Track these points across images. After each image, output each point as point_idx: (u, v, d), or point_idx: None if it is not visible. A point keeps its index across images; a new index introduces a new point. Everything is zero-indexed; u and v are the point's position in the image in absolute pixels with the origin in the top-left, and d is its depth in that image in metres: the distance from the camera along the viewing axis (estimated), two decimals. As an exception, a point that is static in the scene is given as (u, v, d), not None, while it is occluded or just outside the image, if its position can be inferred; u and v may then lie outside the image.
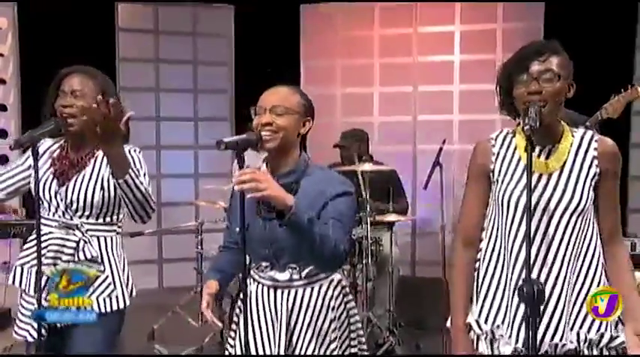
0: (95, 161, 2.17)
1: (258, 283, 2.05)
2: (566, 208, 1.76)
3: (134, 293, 2.24)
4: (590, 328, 1.78)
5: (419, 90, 5.70)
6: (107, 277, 2.15)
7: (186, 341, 4.12)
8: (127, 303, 2.19)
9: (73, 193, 2.12)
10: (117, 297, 2.16)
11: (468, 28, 5.59)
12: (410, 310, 4.48)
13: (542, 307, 1.69)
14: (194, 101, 6.09)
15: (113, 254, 2.18)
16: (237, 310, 2.13)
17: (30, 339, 2.12)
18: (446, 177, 4.34)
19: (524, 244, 1.73)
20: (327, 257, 1.84)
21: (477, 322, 1.86)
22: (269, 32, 5.87)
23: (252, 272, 2.08)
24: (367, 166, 3.85)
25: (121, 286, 2.18)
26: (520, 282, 1.67)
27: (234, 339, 2.12)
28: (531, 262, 1.72)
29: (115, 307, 2.15)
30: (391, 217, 3.97)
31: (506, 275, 1.82)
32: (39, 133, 1.97)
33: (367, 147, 4.45)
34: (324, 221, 1.87)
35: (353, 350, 2.09)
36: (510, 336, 1.79)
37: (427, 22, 5.68)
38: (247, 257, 1.97)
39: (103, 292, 2.13)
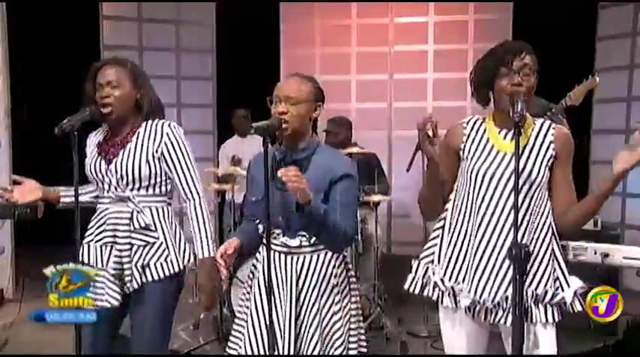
0: (137, 137, 2.31)
1: (272, 249, 2.25)
2: (525, 181, 2.04)
3: (190, 260, 2.36)
4: (537, 285, 2.05)
5: (394, 78, 5.96)
6: (161, 243, 2.30)
7: (183, 317, 4.27)
8: (181, 267, 2.33)
9: (122, 168, 2.27)
10: (171, 261, 2.30)
11: (441, 19, 5.86)
12: (392, 285, 4.75)
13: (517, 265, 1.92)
14: (177, 88, 6.22)
15: (165, 222, 2.32)
16: (251, 275, 2.34)
17: (110, 305, 2.24)
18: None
19: (495, 210, 2.03)
20: (337, 241, 2.20)
21: (442, 280, 2.14)
22: (250, 21, 6.05)
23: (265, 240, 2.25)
24: (354, 150, 4.13)
25: (174, 250, 2.32)
26: (509, 245, 1.92)
27: (246, 305, 2.32)
28: (501, 225, 2.03)
29: (170, 271, 2.30)
30: (376, 198, 4.25)
31: (469, 239, 2.10)
32: (76, 119, 2.14)
33: (351, 134, 4.71)
34: (333, 204, 2.16)
35: (353, 312, 2.32)
36: (469, 290, 2.08)
37: (402, 13, 5.93)
38: (262, 226, 2.22)
39: (159, 257, 2.29)
